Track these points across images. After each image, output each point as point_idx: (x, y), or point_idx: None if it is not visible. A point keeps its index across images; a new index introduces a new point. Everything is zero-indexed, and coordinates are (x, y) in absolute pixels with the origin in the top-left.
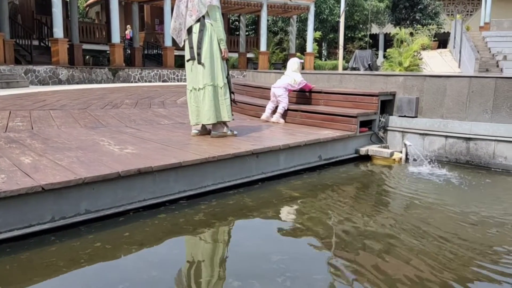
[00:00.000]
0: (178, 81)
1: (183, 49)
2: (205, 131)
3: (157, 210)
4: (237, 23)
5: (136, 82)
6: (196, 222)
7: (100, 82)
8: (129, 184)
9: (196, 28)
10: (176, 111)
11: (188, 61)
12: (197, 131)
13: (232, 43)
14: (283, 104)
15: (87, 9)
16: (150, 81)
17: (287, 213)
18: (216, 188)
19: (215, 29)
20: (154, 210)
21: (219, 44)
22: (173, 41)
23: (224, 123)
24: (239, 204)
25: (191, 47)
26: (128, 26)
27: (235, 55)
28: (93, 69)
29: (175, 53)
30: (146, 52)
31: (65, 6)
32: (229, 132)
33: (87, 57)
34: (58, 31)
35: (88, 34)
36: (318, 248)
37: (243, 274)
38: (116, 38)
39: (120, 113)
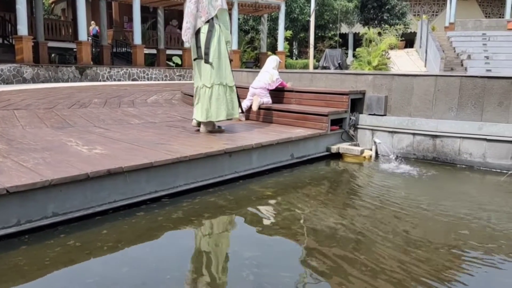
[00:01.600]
0: (148, 80)
1: (153, 47)
2: (212, 127)
3: (130, 210)
4: None
5: (104, 81)
6: (166, 222)
7: (67, 81)
8: (98, 185)
9: (205, 29)
10: (147, 111)
11: (195, 60)
12: (205, 128)
13: None
14: (266, 99)
15: (52, 5)
16: (119, 80)
17: (260, 211)
18: (188, 188)
19: (223, 31)
20: (129, 210)
21: (226, 45)
22: (143, 39)
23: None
24: (212, 203)
25: (199, 47)
26: (93, 22)
27: None
28: (60, 68)
29: (145, 51)
30: (114, 50)
31: (30, 2)
32: (217, 127)
33: (53, 55)
34: (22, 28)
35: (53, 31)
36: (290, 245)
37: (214, 270)
38: (83, 35)
39: (88, 112)
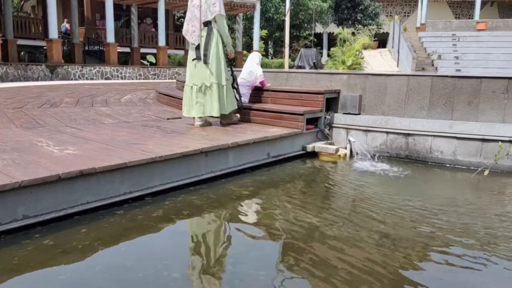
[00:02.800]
0: (122, 78)
1: (126, 45)
2: (206, 122)
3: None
4: (182, 19)
5: (76, 79)
6: (138, 225)
7: (37, 80)
8: (70, 186)
9: (204, 32)
10: (121, 110)
11: (193, 60)
12: (201, 123)
13: (178, 40)
14: (244, 98)
15: (22, 3)
16: (91, 79)
17: (237, 210)
18: (164, 188)
19: (223, 35)
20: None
21: (223, 47)
22: (116, 37)
23: (233, 112)
24: (187, 204)
25: (197, 48)
26: (66, 20)
27: (181, 52)
28: (29, 66)
29: (119, 50)
30: (87, 48)
31: None
32: (234, 118)
33: (22, 53)
34: None
35: (23, 29)
36: (266, 243)
37: (189, 270)
38: (53, 33)
39: (60, 112)
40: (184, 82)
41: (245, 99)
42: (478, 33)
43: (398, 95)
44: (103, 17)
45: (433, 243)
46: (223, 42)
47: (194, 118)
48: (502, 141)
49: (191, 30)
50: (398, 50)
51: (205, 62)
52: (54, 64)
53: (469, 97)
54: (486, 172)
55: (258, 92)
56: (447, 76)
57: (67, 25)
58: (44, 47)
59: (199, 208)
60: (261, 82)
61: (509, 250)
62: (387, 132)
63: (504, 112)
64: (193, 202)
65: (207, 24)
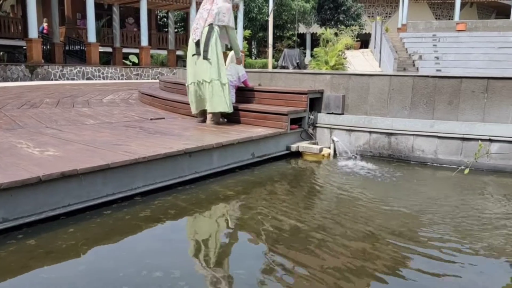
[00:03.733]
0: (104, 79)
1: (108, 45)
2: (202, 119)
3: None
4: (165, 19)
5: (57, 80)
6: (122, 227)
7: (16, 80)
8: (51, 188)
9: (205, 30)
10: (103, 111)
11: (193, 55)
12: (213, 120)
13: (160, 40)
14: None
15: (1, 2)
16: (72, 79)
17: (221, 211)
18: (148, 189)
19: (233, 44)
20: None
21: (223, 48)
22: (97, 36)
23: (222, 115)
24: (172, 205)
25: (198, 45)
26: (45, 19)
27: (164, 52)
28: (8, 66)
29: (100, 50)
30: (67, 48)
31: None
32: (221, 120)
33: (1, 53)
34: None
35: (2, 28)
36: (250, 243)
37: (170, 270)
38: (33, 33)
39: (40, 113)
40: (168, 82)
41: (232, 99)
42: (458, 33)
43: (380, 95)
44: (84, 16)
45: (413, 239)
46: (226, 46)
47: (197, 116)
48: (482, 140)
49: (194, 27)
50: (380, 51)
51: (205, 58)
52: (34, 64)
53: (450, 96)
54: (466, 171)
55: (242, 92)
56: (428, 76)
57: (45, 25)
58: (24, 47)
59: (183, 209)
60: (244, 82)
61: (488, 245)
62: (370, 132)
63: (484, 112)
64: (177, 203)
65: (210, 25)
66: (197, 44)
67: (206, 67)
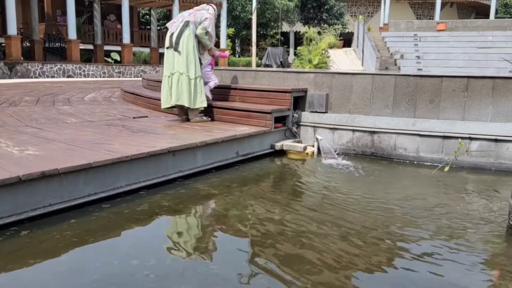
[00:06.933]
0: (85, 76)
1: (89, 42)
2: (186, 117)
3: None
4: (148, 17)
5: (36, 77)
6: (104, 227)
7: None
8: (32, 188)
9: (181, 24)
10: (84, 109)
11: (167, 48)
12: (184, 118)
13: (143, 37)
14: (212, 83)
15: None
16: (53, 77)
17: (205, 210)
18: (130, 189)
19: (202, 41)
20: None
21: (198, 44)
22: (78, 33)
23: (201, 111)
24: (155, 204)
25: (171, 37)
26: None
27: (147, 50)
28: None
29: (81, 47)
30: (47, 45)
31: None
32: (204, 118)
33: None
34: None
35: None
36: (235, 242)
37: (155, 269)
38: (12, 29)
39: (19, 111)
40: (150, 80)
41: (214, 82)
42: (439, 33)
43: (363, 94)
44: (64, 13)
45: (395, 235)
46: (199, 43)
47: (179, 115)
48: (462, 138)
49: (172, 22)
50: (363, 50)
51: (176, 50)
52: (12, 62)
53: (431, 95)
54: (446, 168)
55: (226, 90)
56: (409, 75)
57: None
58: (2, 44)
59: (167, 208)
60: (220, 55)
61: (468, 242)
62: (353, 130)
63: (464, 110)
64: (161, 202)
65: (187, 21)
66: (171, 37)
67: (178, 59)
